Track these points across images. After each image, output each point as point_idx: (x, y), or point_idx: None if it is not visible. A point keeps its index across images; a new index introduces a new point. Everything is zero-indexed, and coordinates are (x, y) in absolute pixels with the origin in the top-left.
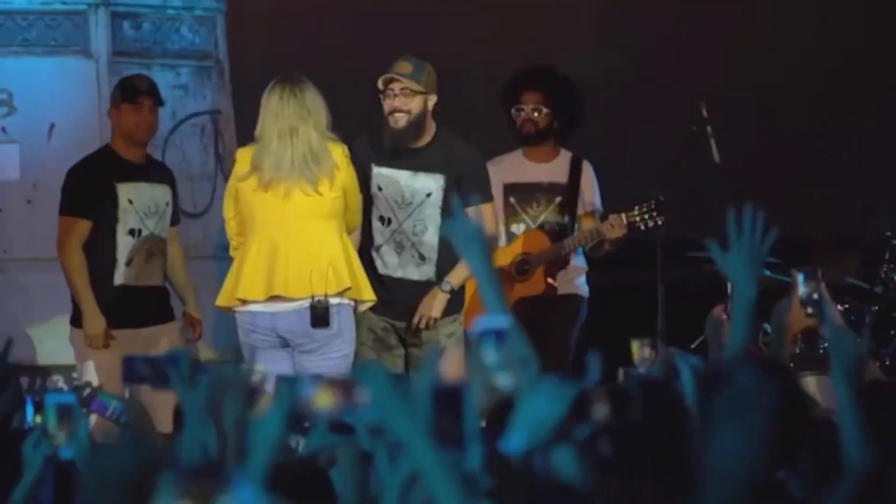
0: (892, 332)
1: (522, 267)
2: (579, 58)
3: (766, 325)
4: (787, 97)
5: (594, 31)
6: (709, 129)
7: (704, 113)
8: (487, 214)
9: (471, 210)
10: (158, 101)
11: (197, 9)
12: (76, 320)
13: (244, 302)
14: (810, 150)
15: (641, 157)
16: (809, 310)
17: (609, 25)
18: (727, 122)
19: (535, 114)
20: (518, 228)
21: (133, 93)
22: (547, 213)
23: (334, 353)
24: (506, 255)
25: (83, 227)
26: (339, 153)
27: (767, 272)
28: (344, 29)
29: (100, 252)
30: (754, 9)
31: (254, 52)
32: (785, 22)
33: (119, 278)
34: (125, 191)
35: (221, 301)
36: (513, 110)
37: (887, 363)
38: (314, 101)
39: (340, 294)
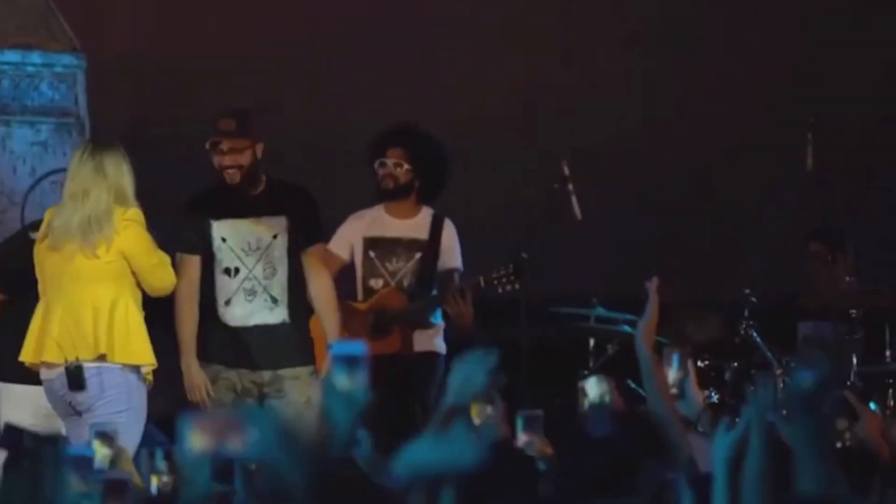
0: (752, 388)
1: (380, 324)
2: (442, 113)
3: (629, 381)
4: (651, 155)
5: (456, 85)
6: (570, 186)
7: (566, 170)
8: (321, 254)
9: (310, 251)
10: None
11: (57, 66)
12: None
13: (29, 365)
14: (671, 208)
15: (503, 214)
16: (674, 389)
17: (471, 81)
18: (589, 180)
19: (397, 169)
20: (377, 283)
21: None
22: (406, 269)
23: (102, 412)
24: (363, 311)
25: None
26: (119, 216)
27: (627, 328)
28: (207, 84)
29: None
30: (618, 62)
31: (114, 108)
32: (647, 74)
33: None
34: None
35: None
36: (376, 164)
37: None
38: (113, 165)
39: (99, 359)
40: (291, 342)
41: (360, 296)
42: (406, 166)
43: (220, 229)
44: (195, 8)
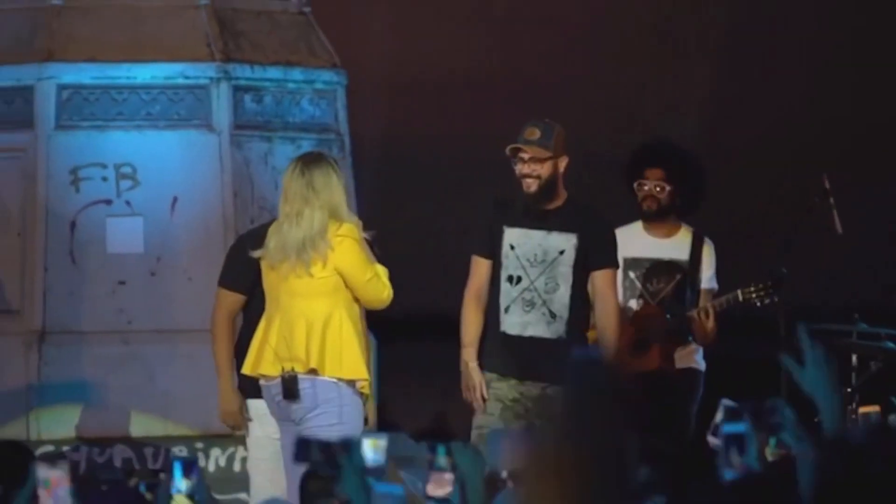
0: None
1: (640, 342)
2: (697, 129)
3: (893, 398)
4: None
5: (712, 102)
6: (831, 200)
7: (826, 185)
8: (613, 280)
9: (599, 274)
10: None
11: (318, 82)
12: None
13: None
14: None
15: (763, 228)
16: None
17: (727, 96)
18: (849, 193)
19: (658, 190)
20: (636, 304)
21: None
22: (666, 290)
23: (314, 424)
24: (623, 331)
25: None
26: (332, 232)
27: (891, 344)
28: (464, 99)
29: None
30: (874, 76)
31: (374, 124)
32: None
33: None
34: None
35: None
36: (635, 185)
37: None
38: (323, 180)
39: (311, 372)
40: (563, 359)
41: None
42: (668, 187)
43: (511, 236)
44: (452, 22)
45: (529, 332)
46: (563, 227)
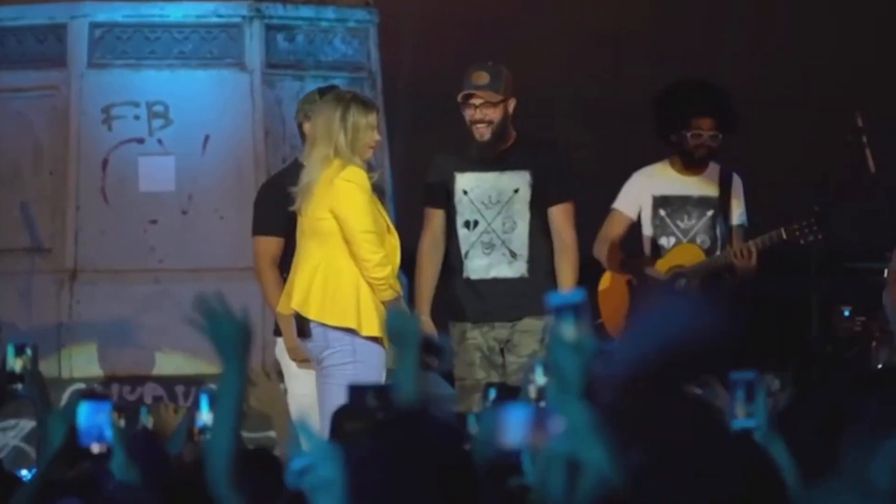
0: None
1: (676, 281)
2: (731, 66)
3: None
4: None
5: (748, 39)
6: (864, 138)
7: (860, 122)
8: (568, 213)
9: (555, 210)
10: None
11: (350, 21)
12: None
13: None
14: None
15: (795, 167)
16: None
17: (763, 34)
18: (884, 131)
19: (712, 138)
20: (668, 242)
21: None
22: (698, 227)
23: (329, 363)
24: (659, 268)
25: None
26: (335, 173)
27: None
28: (496, 38)
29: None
30: None
31: (405, 63)
32: None
33: None
34: None
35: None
36: (685, 132)
37: None
38: (338, 119)
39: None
40: (528, 296)
41: (647, 254)
42: (719, 136)
43: (463, 182)
44: None
45: (492, 274)
46: (515, 166)
